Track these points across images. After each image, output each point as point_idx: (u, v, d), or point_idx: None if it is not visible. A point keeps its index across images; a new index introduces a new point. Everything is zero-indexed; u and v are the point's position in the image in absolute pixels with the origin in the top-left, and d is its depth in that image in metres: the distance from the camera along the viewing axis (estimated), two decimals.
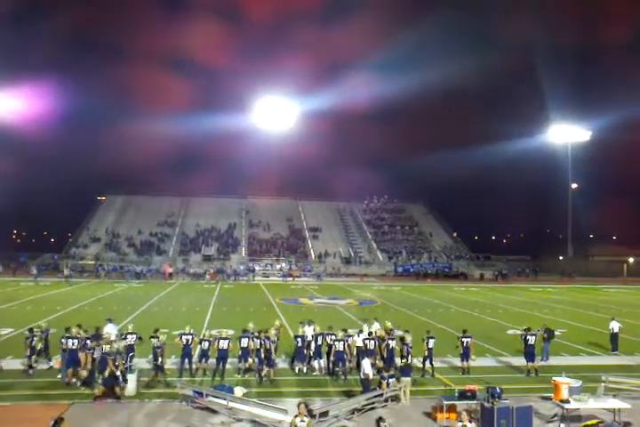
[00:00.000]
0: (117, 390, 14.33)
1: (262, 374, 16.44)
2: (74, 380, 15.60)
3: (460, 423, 10.63)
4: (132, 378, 14.93)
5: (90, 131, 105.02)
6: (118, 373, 14.39)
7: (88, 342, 16.03)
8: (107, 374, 14.26)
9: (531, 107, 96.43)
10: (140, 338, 17.02)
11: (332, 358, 17.11)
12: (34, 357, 16.67)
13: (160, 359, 16.13)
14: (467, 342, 17.65)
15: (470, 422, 10.75)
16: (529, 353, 17.69)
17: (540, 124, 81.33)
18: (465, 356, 17.68)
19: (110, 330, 18.18)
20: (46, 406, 13.67)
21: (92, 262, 63.20)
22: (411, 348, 16.37)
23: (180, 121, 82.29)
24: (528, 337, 17.69)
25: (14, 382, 15.63)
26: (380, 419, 10.44)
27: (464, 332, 17.99)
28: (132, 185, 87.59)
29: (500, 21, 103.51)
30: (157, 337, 16.69)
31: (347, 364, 17.16)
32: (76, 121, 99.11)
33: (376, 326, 19.38)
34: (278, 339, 17.59)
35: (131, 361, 15.67)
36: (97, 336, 16.94)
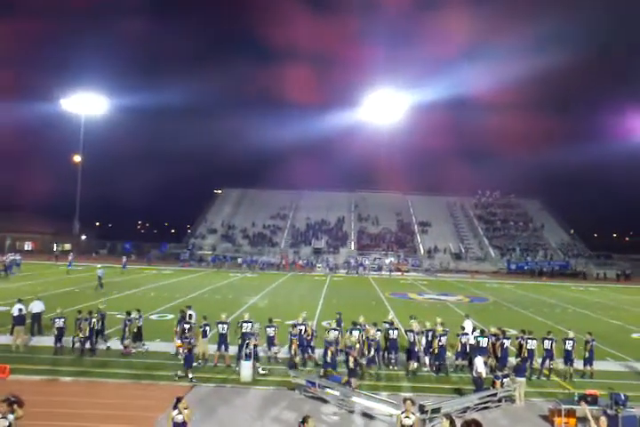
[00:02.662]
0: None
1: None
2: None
3: None
4: (247, 365, 15.57)
5: (209, 126, 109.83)
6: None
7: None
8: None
9: None
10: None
11: (436, 351, 17.05)
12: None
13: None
14: (592, 346, 16.85)
15: None
16: None
17: None
18: (589, 360, 16.90)
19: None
20: (170, 386, 14.61)
21: (210, 253, 66.58)
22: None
23: (292, 116, 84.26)
24: None
25: (135, 362, 16.83)
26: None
27: (589, 334, 17.16)
28: (248, 179, 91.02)
29: (628, 8, 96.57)
30: (273, 326, 17.31)
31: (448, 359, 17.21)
32: (198, 117, 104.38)
33: (467, 324, 19.05)
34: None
35: (246, 348, 16.28)
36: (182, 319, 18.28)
